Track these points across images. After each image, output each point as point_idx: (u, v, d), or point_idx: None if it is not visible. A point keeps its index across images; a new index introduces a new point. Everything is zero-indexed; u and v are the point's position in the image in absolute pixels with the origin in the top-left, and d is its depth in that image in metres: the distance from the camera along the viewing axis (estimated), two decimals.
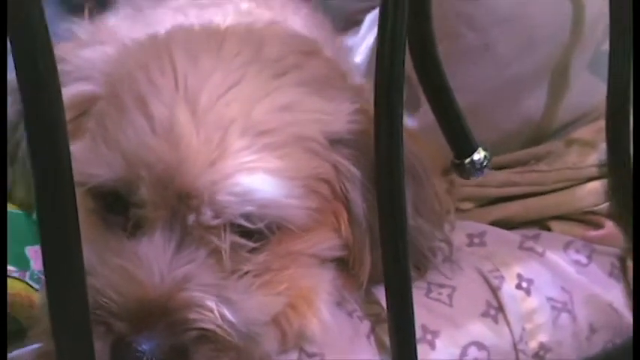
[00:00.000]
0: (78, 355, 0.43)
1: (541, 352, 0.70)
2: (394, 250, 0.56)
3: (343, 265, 0.61)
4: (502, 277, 0.70)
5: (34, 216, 0.59)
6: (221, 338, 0.48)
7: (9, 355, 0.51)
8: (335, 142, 0.55)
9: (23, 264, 0.55)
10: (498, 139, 0.82)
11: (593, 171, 0.75)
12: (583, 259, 0.75)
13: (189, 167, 0.49)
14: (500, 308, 0.68)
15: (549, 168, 0.76)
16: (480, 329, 0.67)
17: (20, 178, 0.59)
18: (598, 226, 0.76)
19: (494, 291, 0.69)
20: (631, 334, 0.77)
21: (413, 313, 0.58)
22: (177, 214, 0.49)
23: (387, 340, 0.61)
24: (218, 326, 0.47)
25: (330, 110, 0.55)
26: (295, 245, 0.54)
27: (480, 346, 0.66)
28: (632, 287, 0.77)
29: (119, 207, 0.51)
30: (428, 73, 0.58)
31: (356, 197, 0.56)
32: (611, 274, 0.77)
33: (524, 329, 0.69)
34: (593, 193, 0.75)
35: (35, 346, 0.52)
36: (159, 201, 0.49)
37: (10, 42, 0.39)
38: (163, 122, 0.49)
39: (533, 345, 0.69)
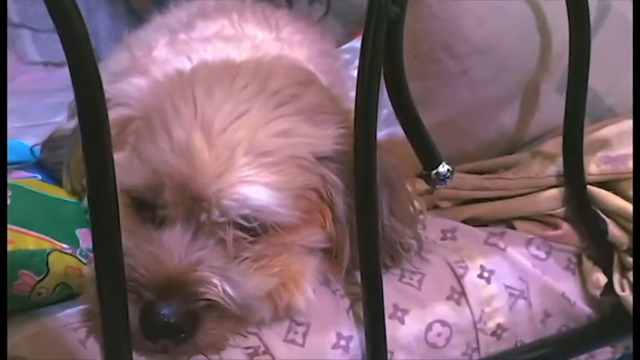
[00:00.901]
0: (116, 314, 0.58)
1: (498, 331, 0.83)
2: (368, 243, 0.70)
3: (329, 254, 0.75)
4: (466, 267, 0.83)
5: (84, 203, 0.74)
6: (224, 308, 0.63)
7: (64, 312, 0.67)
8: (322, 159, 0.69)
9: (74, 242, 0.70)
10: (476, 148, 0.95)
11: (552, 180, 0.87)
12: (542, 255, 0.88)
13: (201, 178, 0.63)
14: (463, 293, 0.81)
15: (514, 176, 0.89)
16: (444, 309, 0.80)
17: (74, 176, 0.74)
18: (556, 227, 0.89)
19: (459, 278, 0.82)
20: (584, 321, 0.90)
21: (382, 293, 0.71)
22: (192, 213, 0.64)
23: (362, 314, 0.75)
24: (221, 298, 0.62)
25: (319, 135, 0.69)
26: (287, 238, 0.69)
27: (443, 323, 0.80)
28: (589, 278, 0.89)
29: (148, 205, 0.66)
30: (399, 99, 0.71)
31: (339, 201, 0.71)
32: (567, 268, 0.89)
33: (483, 311, 0.82)
34: (551, 198, 0.87)
35: (83, 306, 0.67)
36: (178, 202, 0.64)
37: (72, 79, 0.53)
38: (181, 143, 0.64)
39: (491, 325, 0.82)
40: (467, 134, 0.94)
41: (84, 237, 0.71)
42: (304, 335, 0.72)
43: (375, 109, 0.67)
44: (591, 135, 0.90)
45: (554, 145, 0.90)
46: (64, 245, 0.69)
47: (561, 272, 0.89)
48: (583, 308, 0.89)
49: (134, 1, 1.84)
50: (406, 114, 0.72)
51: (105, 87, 0.70)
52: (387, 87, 0.71)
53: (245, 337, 0.66)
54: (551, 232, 0.89)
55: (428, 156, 0.74)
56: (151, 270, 0.61)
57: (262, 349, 0.70)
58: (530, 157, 0.91)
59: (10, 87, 1.78)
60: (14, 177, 0.76)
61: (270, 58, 0.74)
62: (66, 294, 0.68)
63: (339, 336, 0.74)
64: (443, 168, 0.75)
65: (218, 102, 0.66)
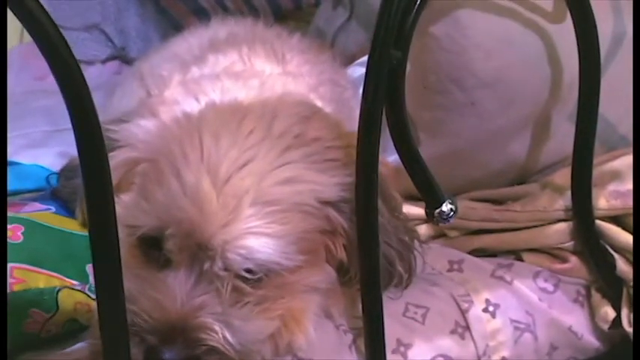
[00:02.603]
0: (119, 356, 0.60)
1: None
2: (369, 281, 0.71)
3: (333, 288, 0.77)
4: (471, 301, 0.83)
5: None
6: (223, 352, 0.64)
7: (74, 347, 0.69)
8: (326, 203, 0.70)
9: (84, 278, 0.72)
10: (486, 177, 0.95)
11: (561, 214, 0.87)
12: (550, 287, 0.88)
13: (208, 226, 0.65)
14: (467, 327, 0.82)
15: (522, 209, 0.88)
16: (447, 344, 0.81)
17: (78, 208, 0.77)
18: (564, 260, 0.88)
19: (463, 312, 0.82)
20: (592, 353, 0.90)
21: (383, 328, 0.72)
22: (196, 259, 0.66)
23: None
24: (221, 345, 0.64)
25: (325, 182, 0.70)
26: (289, 279, 0.70)
27: (446, 357, 0.80)
28: (598, 312, 0.89)
29: (154, 247, 0.67)
30: (400, 139, 0.72)
31: (348, 226, 0.72)
32: (575, 301, 0.89)
33: (487, 345, 0.82)
34: (559, 232, 0.87)
35: (90, 341, 0.70)
36: (183, 247, 0.66)
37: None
38: (191, 187, 0.65)
39: (495, 358, 0.83)
40: (476, 163, 0.94)
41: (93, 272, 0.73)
42: None
43: (376, 152, 0.68)
44: (603, 166, 0.90)
45: (565, 176, 0.89)
46: (74, 282, 0.71)
47: (569, 305, 0.89)
48: (591, 341, 0.89)
49: (163, 1, 1.87)
50: (407, 154, 0.73)
51: (113, 127, 0.73)
52: (389, 127, 0.72)
53: None
54: (559, 266, 0.89)
55: (430, 195, 0.75)
56: (154, 316, 0.63)
57: None
58: (540, 188, 0.91)
59: (42, 85, 1.84)
60: (28, 210, 0.78)
61: (276, 98, 0.75)
62: (75, 328, 0.70)
63: None
64: (446, 207, 0.75)
65: (225, 148, 0.67)
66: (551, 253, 0.89)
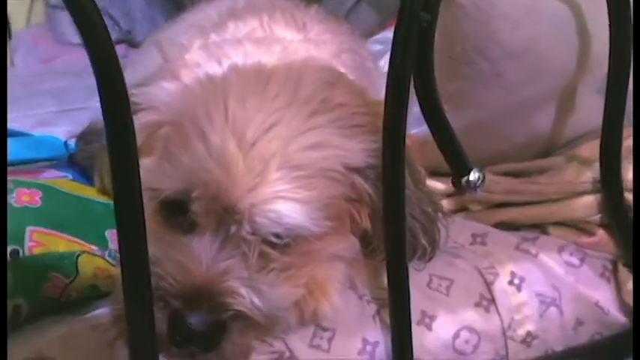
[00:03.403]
0: (142, 322, 0.59)
1: (528, 339, 0.81)
2: (395, 249, 0.70)
3: (357, 258, 0.75)
4: (496, 274, 0.81)
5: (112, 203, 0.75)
6: (251, 318, 0.63)
7: (93, 313, 0.68)
8: (353, 170, 0.69)
9: (104, 244, 0.71)
10: (510, 150, 0.93)
11: (588, 187, 0.85)
12: (576, 261, 0.86)
13: (235, 189, 0.63)
14: (492, 300, 0.80)
15: (549, 181, 0.87)
16: (472, 316, 0.79)
17: (105, 173, 0.75)
18: (591, 233, 0.86)
19: (488, 285, 0.81)
20: (618, 329, 0.88)
21: (409, 300, 0.71)
22: (222, 222, 0.64)
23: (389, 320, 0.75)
24: (249, 309, 0.62)
25: (352, 147, 0.68)
26: (314, 246, 0.68)
27: (471, 330, 0.79)
28: (624, 287, 0.87)
29: (178, 211, 0.66)
30: (428, 106, 0.70)
31: (373, 193, 0.70)
32: (601, 276, 0.87)
33: (513, 319, 0.81)
34: (586, 205, 0.85)
35: (112, 307, 0.68)
36: (209, 211, 0.64)
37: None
38: (217, 149, 0.63)
39: (520, 332, 0.81)
40: (501, 136, 0.92)
41: (113, 238, 0.72)
42: (329, 340, 0.72)
43: (404, 117, 0.66)
44: (628, 140, 0.88)
45: (591, 149, 0.88)
46: (94, 247, 0.70)
47: (595, 280, 0.87)
48: (617, 316, 0.87)
49: None
50: (436, 120, 0.71)
51: (133, 90, 0.71)
52: (416, 94, 0.70)
53: (271, 345, 0.67)
54: (585, 239, 0.87)
55: (458, 163, 0.73)
56: (179, 279, 0.62)
57: (287, 354, 0.70)
58: (566, 161, 0.89)
59: (49, 67, 1.83)
60: (45, 177, 0.77)
61: (300, 62, 0.74)
62: (94, 294, 0.69)
63: (365, 342, 0.74)
64: (474, 176, 0.74)
65: (251, 111, 0.65)
66: (578, 226, 0.87)
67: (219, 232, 0.64)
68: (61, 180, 0.77)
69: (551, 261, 0.85)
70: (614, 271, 0.88)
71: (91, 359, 0.64)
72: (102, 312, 0.68)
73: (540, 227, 0.89)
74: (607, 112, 0.81)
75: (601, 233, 0.86)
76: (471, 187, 0.73)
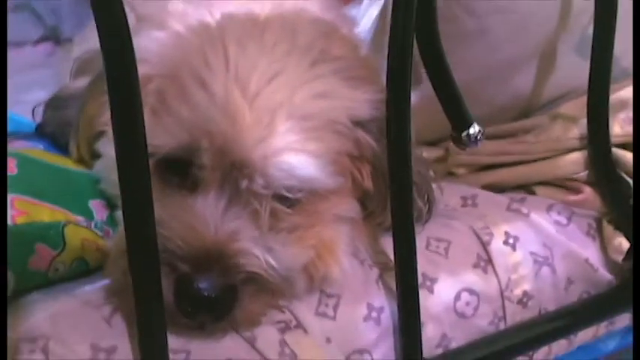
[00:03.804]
0: (150, 288, 0.54)
1: (524, 299, 0.80)
2: (402, 205, 0.67)
3: (357, 220, 0.72)
4: (491, 234, 0.80)
5: (94, 173, 0.69)
6: (264, 280, 0.58)
7: (82, 289, 0.62)
8: (358, 123, 0.65)
9: (88, 214, 0.64)
10: (491, 112, 0.91)
11: (575, 143, 0.85)
12: (563, 220, 0.86)
13: (244, 140, 0.58)
14: (489, 260, 0.79)
15: (536, 140, 0.86)
16: (471, 278, 0.77)
17: (82, 140, 0.69)
18: (577, 191, 0.86)
19: (485, 245, 0.79)
20: (604, 287, 0.89)
21: (416, 260, 0.68)
22: (229, 178, 0.59)
23: (392, 285, 0.72)
24: (264, 270, 0.58)
25: (357, 98, 0.65)
26: (321, 206, 0.65)
27: (471, 291, 0.77)
28: (611, 244, 0.87)
29: (178, 169, 0.60)
30: (432, 58, 0.68)
31: (375, 160, 0.67)
32: (587, 234, 0.87)
33: (510, 279, 0.79)
34: (574, 162, 0.85)
35: (102, 283, 0.62)
36: (215, 166, 0.59)
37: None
38: (221, 99, 0.59)
39: (517, 292, 0.80)
40: (480, 99, 0.90)
41: (97, 209, 0.66)
42: (335, 308, 0.69)
43: (409, 64, 0.63)
44: (611, 97, 0.88)
45: (575, 107, 0.88)
46: (79, 217, 0.63)
47: (583, 238, 0.86)
48: (604, 274, 0.87)
49: None
50: (438, 71, 0.68)
51: None
52: (417, 42, 0.67)
53: (282, 311, 0.62)
54: (573, 197, 0.87)
55: (459, 116, 0.71)
56: (188, 240, 0.57)
57: (294, 322, 0.66)
58: (550, 120, 0.88)
59: None
60: (15, 147, 0.70)
61: (292, 13, 0.69)
62: (82, 270, 0.63)
63: (370, 307, 0.71)
64: (474, 129, 0.72)
65: (252, 59, 0.61)
66: (564, 185, 0.87)
67: (225, 190, 0.59)
68: (34, 150, 0.70)
69: (542, 220, 0.84)
70: (599, 228, 0.88)
71: (87, 336, 0.57)
72: (92, 288, 0.62)
73: (526, 188, 0.89)
74: (593, 66, 0.81)
75: (587, 190, 0.86)
76: (472, 140, 0.72)
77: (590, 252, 0.86)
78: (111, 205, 0.67)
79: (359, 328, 0.70)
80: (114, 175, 0.61)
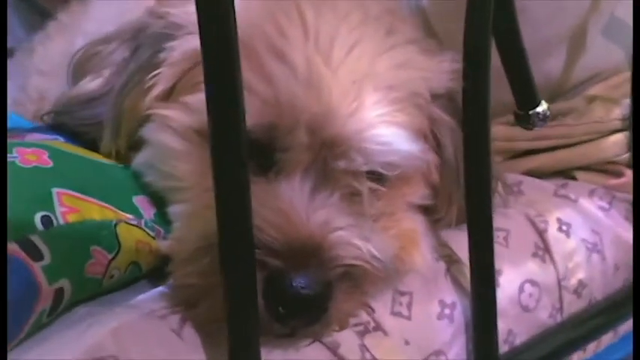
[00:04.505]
0: (245, 289, 0.45)
1: (579, 289, 0.76)
2: (479, 192, 0.61)
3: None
4: (546, 222, 0.76)
5: (132, 167, 0.60)
6: (362, 274, 0.51)
7: (137, 299, 0.53)
8: (436, 97, 0.59)
9: (136, 212, 0.55)
10: None
11: (617, 124, 0.82)
12: (605, 205, 0.82)
13: (335, 115, 0.51)
14: (547, 249, 0.74)
15: (576, 122, 0.82)
16: (532, 268, 0.73)
17: (123, 133, 0.60)
18: (619, 174, 0.83)
19: (541, 233, 0.75)
20: None
21: (493, 250, 0.63)
22: (317, 159, 0.52)
23: (461, 278, 0.66)
24: (366, 262, 0.50)
25: (435, 69, 0.59)
26: (401, 192, 0.58)
27: (532, 282, 0.72)
28: None
29: (255, 152, 0.52)
30: (507, 36, 0.63)
31: (447, 143, 0.61)
32: (627, 218, 0.84)
33: (567, 268, 0.75)
34: (616, 144, 0.82)
35: (159, 290, 0.54)
36: (301, 146, 0.51)
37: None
38: (303, 71, 0.52)
39: (573, 282, 0.76)
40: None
41: (143, 206, 0.57)
42: (409, 306, 0.62)
43: (488, 31, 0.58)
44: None
45: (607, 88, 0.85)
46: (128, 215, 0.54)
47: (624, 223, 0.84)
48: None
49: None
50: (512, 48, 0.63)
51: (170, 10, 0.57)
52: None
53: (371, 311, 0.55)
54: (614, 181, 0.84)
55: (528, 93, 0.66)
56: (284, 231, 0.49)
57: (372, 324, 0.59)
58: (586, 102, 0.85)
59: None
60: (34, 139, 0.60)
61: None
62: (135, 275, 0.54)
63: (443, 304, 0.65)
64: (542, 107, 0.67)
65: (332, 26, 0.54)
66: (605, 169, 0.84)
67: (310, 173, 0.52)
68: (55, 142, 0.60)
69: (589, 205, 0.81)
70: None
71: (158, 352, 0.49)
72: (148, 297, 0.53)
73: (565, 173, 0.85)
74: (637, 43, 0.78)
75: (629, 174, 0.83)
76: (540, 118, 0.67)
77: (630, 236, 0.83)
78: (157, 202, 0.58)
79: (434, 327, 0.63)
80: (165, 165, 0.53)
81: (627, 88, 0.80)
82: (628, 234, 0.82)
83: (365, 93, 0.53)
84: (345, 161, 0.52)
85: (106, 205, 0.53)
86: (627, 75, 0.84)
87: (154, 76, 0.56)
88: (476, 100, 0.58)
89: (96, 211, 0.51)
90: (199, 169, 0.53)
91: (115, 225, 0.52)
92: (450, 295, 0.65)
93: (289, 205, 0.50)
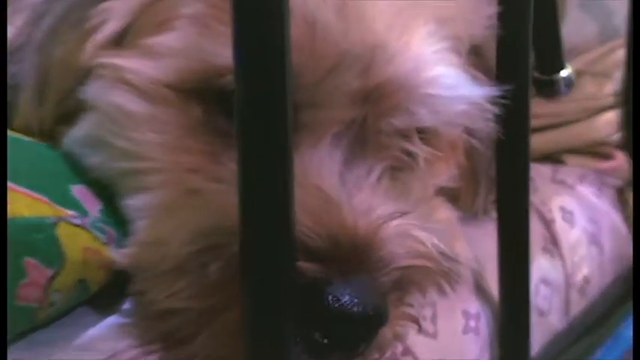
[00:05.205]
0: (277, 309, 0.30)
1: (584, 286, 0.68)
2: (513, 179, 0.49)
3: None
4: (550, 210, 0.66)
5: (67, 144, 0.42)
6: (423, 277, 0.37)
7: (85, 337, 0.35)
8: (473, 48, 0.46)
9: (77, 207, 0.38)
10: None
11: (610, 100, 0.74)
12: (596, 191, 0.74)
13: (381, 55, 0.36)
14: (555, 242, 0.64)
15: (569, 99, 0.73)
16: (543, 264, 0.63)
17: (50, 98, 0.41)
18: (609, 157, 0.75)
19: (548, 224, 0.64)
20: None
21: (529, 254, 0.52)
22: (356, 118, 0.37)
23: (483, 283, 0.54)
24: (432, 259, 0.36)
25: (474, 8, 0.46)
26: (432, 170, 0.44)
27: (546, 282, 0.62)
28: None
29: None
30: None
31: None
32: (615, 207, 0.76)
33: (573, 262, 0.66)
34: (608, 123, 0.74)
35: (116, 320, 0.36)
36: (341, 97, 0.36)
37: None
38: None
39: (579, 278, 0.67)
40: None
41: (84, 198, 0.39)
42: (433, 320, 0.49)
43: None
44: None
45: (584, 64, 0.77)
46: (69, 211, 0.37)
47: (612, 210, 0.76)
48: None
49: None
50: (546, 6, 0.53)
51: None
52: None
53: (420, 326, 0.41)
54: (604, 164, 0.75)
55: (554, 55, 0.55)
56: (323, 221, 0.33)
57: (400, 348, 0.45)
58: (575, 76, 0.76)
59: None
60: None
61: None
62: (81, 299, 0.37)
63: (467, 315, 0.52)
64: (567, 72, 0.57)
65: None
66: (596, 151, 0.75)
67: (343, 138, 0.37)
68: None
69: (585, 191, 0.71)
70: (621, 200, 0.78)
71: None
72: (103, 331, 0.36)
73: (552, 157, 0.76)
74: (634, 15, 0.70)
75: (620, 156, 0.75)
76: (565, 83, 0.57)
77: (623, 225, 0.75)
78: (103, 193, 0.40)
79: (461, 343, 0.51)
80: (120, 138, 0.37)
81: (605, 64, 0.73)
82: (621, 222, 0.74)
83: (414, 24, 0.39)
84: (399, 116, 0.37)
85: (38, 195, 0.35)
86: (601, 50, 0.77)
87: (98, 13, 0.39)
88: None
89: (24, 203, 0.33)
90: (174, 140, 0.37)
91: (54, 225, 0.34)
92: (473, 304, 0.53)
93: (320, 185, 0.35)
